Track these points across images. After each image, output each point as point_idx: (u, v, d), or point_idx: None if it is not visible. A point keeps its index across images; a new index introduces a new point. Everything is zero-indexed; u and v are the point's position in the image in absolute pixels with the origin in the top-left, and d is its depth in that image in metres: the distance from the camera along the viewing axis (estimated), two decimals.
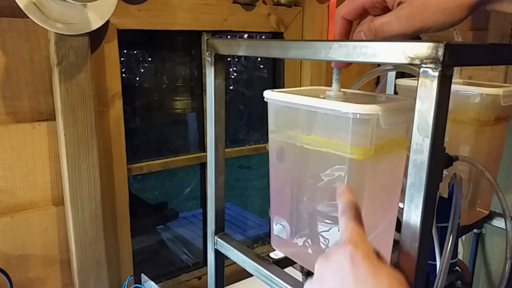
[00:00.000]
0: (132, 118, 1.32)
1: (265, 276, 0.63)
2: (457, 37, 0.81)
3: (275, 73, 1.45)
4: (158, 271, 1.33)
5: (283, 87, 1.39)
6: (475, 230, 1.06)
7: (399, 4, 0.46)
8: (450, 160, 0.69)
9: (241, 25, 1.19)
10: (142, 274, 1.10)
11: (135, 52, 1.57)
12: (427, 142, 0.40)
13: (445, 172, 0.71)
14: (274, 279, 0.62)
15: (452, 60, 0.38)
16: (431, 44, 0.38)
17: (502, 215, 0.80)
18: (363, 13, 0.52)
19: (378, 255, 0.41)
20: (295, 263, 0.69)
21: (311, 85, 1.31)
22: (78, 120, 0.92)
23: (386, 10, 0.48)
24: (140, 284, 1.09)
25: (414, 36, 0.47)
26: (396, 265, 0.46)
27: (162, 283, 1.27)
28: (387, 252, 0.61)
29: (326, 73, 1.33)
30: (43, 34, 0.89)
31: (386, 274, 0.38)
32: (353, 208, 0.45)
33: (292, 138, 0.60)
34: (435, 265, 0.69)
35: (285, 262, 0.69)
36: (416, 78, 0.40)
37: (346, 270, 0.39)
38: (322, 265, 0.42)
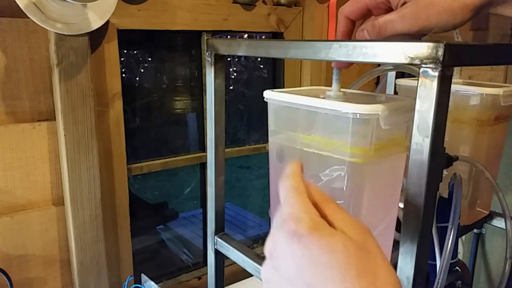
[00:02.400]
0: (132, 118, 1.32)
1: None
2: (457, 37, 0.81)
3: (275, 73, 1.45)
4: (158, 271, 1.33)
5: (283, 87, 1.39)
6: (475, 230, 1.06)
7: (403, 4, 0.46)
8: (450, 160, 0.69)
9: (241, 25, 1.19)
10: (142, 274, 1.10)
11: (135, 52, 1.57)
12: (427, 142, 0.40)
13: (445, 172, 0.71)
14: None
15: (452, 60, 0.38)
16: (431, 44, 0.38)
17: (502, 215, 0.80)
18: (366, 14, 0.52)
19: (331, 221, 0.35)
20: None
21: (311, 85, 1.31)
22: (78, 120, 0.92)
23: (389, 10, 0.49)
24: (140, 284, 1.09)
25: (417, 36, 0.47)
26: (396, 265, 0.46)
27: (162, 283, 1.27)
28: (387, 252, 0.61)
29: (326, 73, 1.33)
30: (43, 34, 0.89)
31: (342, 243, 0.33)
32: (295, 176, 0.38)
33: (292, 139, 0.60)
34: (435, 265, 0.69)
35: None
36: (416, 78, 0.40)
37: (296, 253, 0.34)
38: (270, 248, 0.37)
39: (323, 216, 0.35)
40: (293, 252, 0.34)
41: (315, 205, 0.36)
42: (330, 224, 0.35)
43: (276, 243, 0.36)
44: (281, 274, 0.35)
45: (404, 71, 0.74)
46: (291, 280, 0.34)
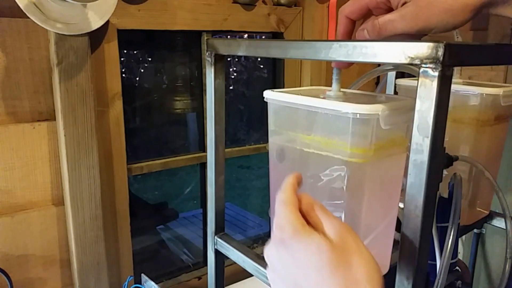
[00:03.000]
0: (132, 118, 1.32)
1: (265, 276, 0.63)
2: (457, 37, 0.81)
3: (275, 73, 1.45)
4: (158, 271, 1.33)
5: (283, 87, 1.39)
6: (475, 230, 1.06)
7: (403, 4, 0.46)
8: (450, 160, 0.69)
9: (241, 25, 1.19)
10: (142, 274, 1.10)
11: (135, 52, 1.57)
12: (427, 142, 0.40)
13: (445, 172, 0.71)
14: None
15: (452, 60, 0.38)
16: (431, 44, 0.38)
17: (502, 215, 0.80)
18: (366, 14, 0.52)
19: (311, 221, 0.41)
20: None
21: (311, 85, 1.31)
22: (78, 120, 0.92)
23: (390, 11, 0.49)
24: (140, 284, 1.09)
25: (417, 37, 0.47)
26: (396, 265, 0.46)
27: (162, 283, 1.27)
28: (387, 252, 0.61)
29: (326, 73, 1.33)
30: (43, 34, 0.89)
31: (317, 244, 0.38)
32: (287, 190, 0.44)
33: (292, 139, 0.60)
34: (435, 265, 0.69)
35: None
36: (416, 78, 0.40)
37: (283, 256, 0.40)
38: (267, 254, 0.43)
39: (309, 222, 0.41)
40: (280, 255, 0.41)
41: (304, 213, 0.42)
42: (315, 228, 0.40)
43: (270, 249, 0.43)
44: (276, 275, 0.42)
45: (404, 71, 0.74)
46: (283, 279, 0.41)
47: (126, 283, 1.08)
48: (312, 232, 0.39)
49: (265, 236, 1.64)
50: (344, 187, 0.54)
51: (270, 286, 0.44)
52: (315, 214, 0.42)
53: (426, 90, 0.39)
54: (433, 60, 0.38)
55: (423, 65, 0.39)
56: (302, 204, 0.43)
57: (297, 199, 0.43)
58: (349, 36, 0.53)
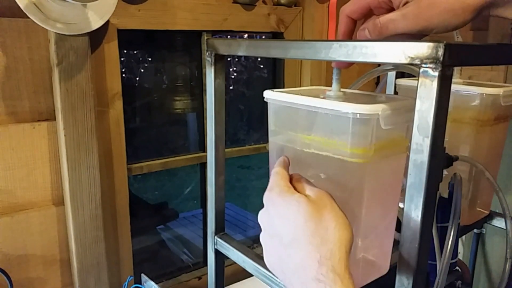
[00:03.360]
0: (132, 118, 1.32)
1: (265, 276, 0.63)
2: (457, 37, 0.81)
3: (275, 73, 1.45)
4: (158, 271, 1.33)
5: (283, 87, 1.39)
6: (475, 230, 1.06)
7: (404, 4, 0.46)
8: (450, 160, 0.69)
9: (241, 25, 1.19)
10: (142, 274, 1.10)
11: (135, 52, 1.57)
12: (427, 142, 0.40)
13: (445, 172, 0.71)
14: (274, 279, 0.62)
15: (452, 60, 0.38)
16: (431, 44, 0.38)
17: (502, 215, 0.80)
18: (367, 13, 0.52)
19: (298, 185, 0.50)
20: None
21: (311, 85, 1.31)
22: (78, 120, 0.92)
23: (391, 10, 0.49)
24: (140, 284, 1.09)
25: (417, 37, 0.47)
26: (396, 265, 0.46)
27: (162, 283, 1.27)
28: (387, 252, 0.61)
29: (326, 73, 1.33)
30: (43, 34, 0.89)
31: (296, 200, 0.46)
32: (279, 163, 0.54)
33: (292, 139, 0.60)
34: (435, 265, 0.69)
35: None
36: (416, 78, 0.40)
37: (270, 211, 0.49)
38: (261, 216, 0.50)
39: (294, 188, 0.50)
40: (268, 212, 0.49)
41: (293, 185, 0.50)
42: (298, 191, 0.49)
43: (261, 211, 0.50)
44: (265, 232, 0.49)
45: (404, 71, 0.74)
46: (269, 232, 0.48)
47: (126, 283, 1.08)
48: (294, 192, 0.48)
49: None
50: (344, 187, 0.54)
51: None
52: (301, 183, 0.50)
53: (426, 90, 0.39)
54: (433, 60, 0.38)
55: (423, 65, 0.39)
56: (293, 178, 0.52)
57: (288, 173, 0.53)
58: (350, 36, 0.53)
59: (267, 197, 0.50)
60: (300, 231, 0.44)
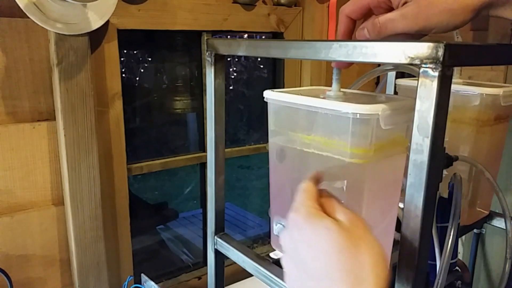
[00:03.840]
0: (132, 118, 1.32)
1: (265, 276, 0.63)
2: (457, 37, 0.81)
3: (275, 73, 1.45)
4: (158, 271, 1.33)
5: (283, 87, 1.39)
6: (475, 230, 1.06)
7: (404, 4, 0.46)
8: (450, 160, 0.69)
9: (241, 25, 1.19)
10: (142, 274, 1.10)
11: (135, 52, 1.57)
12: (427, 142, 0.40)
13: (445, 172, 0.71)
14: (274, 279, 0.62)
15: (452, 60, 0.38)
16: (431, 44, 0.38)
17: (502, 215, 0.80)
18: (367, 13, 0.52)
19: (324, 205, 0.44)
20: None
21: (311, 85, 1.31)
22: (78, 120, 0.92)
23: (390, 10, 0.49)
24: (140, 284, 1.09)
25: (417, 37, 0.47)
26: (396, 265, 0.46)
27: (162, 283, 1.27)
28: (387, 252, 0.61)
29: (326, 73, 1.33)
30: (43, 34, 0.89)
31: (327, 226, 0.40)
32: (309, 179, 0.48)
33: (292, 139, 0.60)
34: (435, 265, 0.69)
35: None
36: (416, 78, 0.40)
37: (294, 236, 0.43)
38: (283, 237, 0.46)
39: (324, 210, 0.43)
40: (292, 237, 0.43)
41: (321, 204, 0.44)
42: (328, 215, 0.42)
43: (285, 233, 0.45)
44: (288, 256, 0.44)
45: (404, 71, 0.74)
46: (294, 260, 0.42)
47: (126, 283, 1.08)
48: (323, 215, 0.42)
49: (265, 236, 1.63)
50: (344, 187, 0.54)
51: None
52: (330, 204, 0.44)
53: (426, 90, 0.39)
54: (433, 60, 0.38)
55: (423, 65, 0.39)
56: (321, 196, 0.46)
57: (317, 191, 0.46)
58: (350, 35, 0.53)
59: (291, 220, 0.44)
60: (332, 265, 0.38)
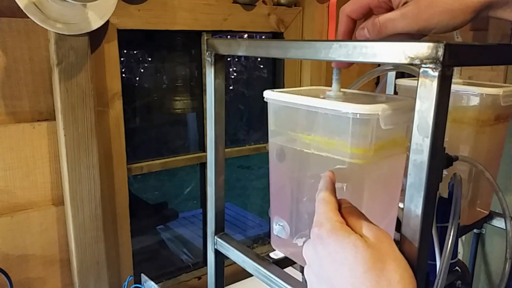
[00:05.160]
0: (132, 118, 1.32)
1: (265, 276, 0.63)
2: (457, 37, 0.81)
3: (275, 73, 1.45)
4: (158, 271, 1.33)
5: (283, 87, 1.39)
6: (475, 230, 1.06)
7: (404, 4, 0.46)
8: (450, 160, 0.69)
9: (241, 25, 1.19)
10: (142, 274, 1.10)
11: (135, 52, 1.57)
12: (427, 142, 0.40)
13: (445, 172, 0.71)
14: (274, 279, 0.62)
15: (452, 60, 0.38)
16: (431, 44, 0.38)
17: (502, 215, 0.80)
18: (367, 13, 0.52)
19: (349, 221, 0.43)
20: (295, 263, 0.69)
21: (311, 85, 1.31)
22: (78, 120, 0.92)
23: (390, 10, 0.49)
24: (140, 284, 1.09)
25: (417, 37, 0.47)
26: None
27: (162, 283, 1.27)
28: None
29: (326, 73, 1.33)
30: (43, 34, 0.89)
31: (353, 243, 0.39)
32: (326, 189, 0.47)
33: (292, 139, 0.60)
34: (435, 265, 0.69)
35: (285, 262, 0.69)
36: (416, 78, 0.40)
37: (319, 252, 0.42)
38: (305, 250, 0.45)
39: (347, 223, 0.42)
40: (317, 252, 0.42)
41: (343, 216, 0.43)
42: (353, 229, 0.41)
43: (308, 246, 0.44)
44: (312, 271, 0.43)
45: (404, 71, 0.74)
46: (318, 276, 0.42)
47: (126, 283, 1.08)
48: (349, 231, 0.41)
49: (265, 236, 1.63)
50: (344, 187, 0.54)
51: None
52: (354, 217, 0.43)
53: (426, 90, 0.39)
54: (433, 60, 0.38)
55: (423, 65, 0.39)
56: (342, 207, 0.45)
57: (337, 201, 0.46)
58: (350, 35, 0.53)
59: (316, 234, 0.43)
60: (358, 283, 0.38)
